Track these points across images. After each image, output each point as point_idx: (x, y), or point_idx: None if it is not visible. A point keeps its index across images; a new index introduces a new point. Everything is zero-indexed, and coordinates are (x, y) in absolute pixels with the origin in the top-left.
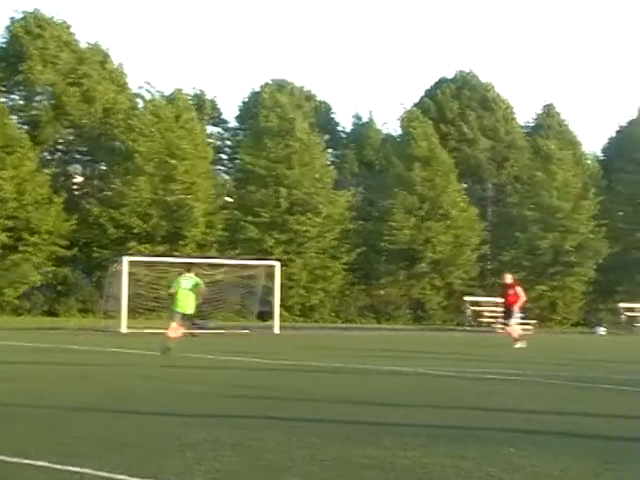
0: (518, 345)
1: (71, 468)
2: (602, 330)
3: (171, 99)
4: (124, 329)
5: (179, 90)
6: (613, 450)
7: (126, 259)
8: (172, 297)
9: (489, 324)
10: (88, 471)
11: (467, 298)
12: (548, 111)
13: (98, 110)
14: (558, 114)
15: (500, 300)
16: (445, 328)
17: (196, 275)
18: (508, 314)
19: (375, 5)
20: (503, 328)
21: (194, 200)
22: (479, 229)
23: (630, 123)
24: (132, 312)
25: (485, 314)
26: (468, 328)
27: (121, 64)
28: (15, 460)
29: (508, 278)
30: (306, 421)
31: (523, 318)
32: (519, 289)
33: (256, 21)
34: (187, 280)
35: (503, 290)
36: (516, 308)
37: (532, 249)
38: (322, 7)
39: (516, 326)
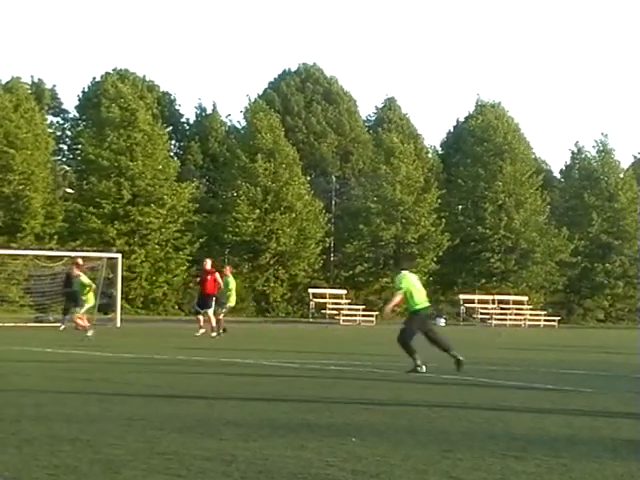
0: (214, 334)
1: None
2: (442, 321)
3: (9, 88)
4: None
5: (18, 79)
6: (451, 438)
7: None
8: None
9: (333, 316)
10: None
11: (311, 290)
12: (389, 104)
13: None
14: (399, 107)
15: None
16: (289, 320)
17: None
18: (205, 302)
19: None
20: (200, 314)
21: (32, 191)
22: (323, 222)
23: (467, 118)
24: None
25: (329, 306)
26: (312, 320)
27: None
28: None
29: (208, 264)
30: (144, 414)
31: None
32: (218, 276)
33: (97, 7)
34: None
35: (202, 276)
36: (212, 298)
37: (375, 241)
38: None
39: (213, 316)
